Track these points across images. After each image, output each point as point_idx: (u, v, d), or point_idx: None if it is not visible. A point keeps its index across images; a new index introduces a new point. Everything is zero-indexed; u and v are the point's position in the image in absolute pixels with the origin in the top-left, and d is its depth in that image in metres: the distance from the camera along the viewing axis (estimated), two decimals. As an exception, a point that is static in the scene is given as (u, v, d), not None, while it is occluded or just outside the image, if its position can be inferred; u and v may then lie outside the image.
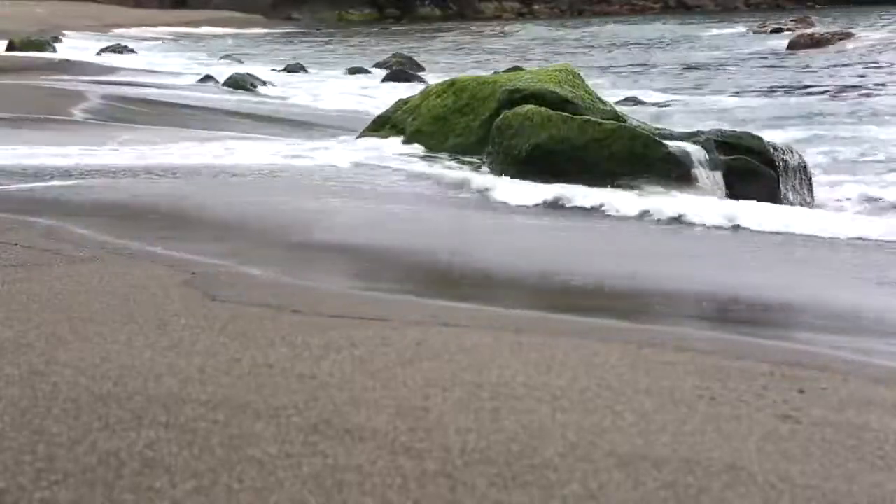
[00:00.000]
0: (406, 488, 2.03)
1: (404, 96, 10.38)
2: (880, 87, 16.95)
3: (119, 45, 28.06)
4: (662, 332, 3.37)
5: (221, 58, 25.16)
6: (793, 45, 26.39)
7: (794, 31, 31.26)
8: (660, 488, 2.09)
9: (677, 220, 6.78)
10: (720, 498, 2.07)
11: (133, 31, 42.03)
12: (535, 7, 63.54)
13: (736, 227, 6.57)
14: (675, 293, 4.40)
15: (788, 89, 17.24)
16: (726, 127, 9.34)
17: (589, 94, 8.96)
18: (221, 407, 2.42)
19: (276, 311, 3.36)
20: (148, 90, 14.94)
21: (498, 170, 8.06)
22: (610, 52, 29.12)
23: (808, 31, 30.56)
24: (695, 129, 8.64)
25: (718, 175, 7.72)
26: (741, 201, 7.22)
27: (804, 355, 3.20)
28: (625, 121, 8.35)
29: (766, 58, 24.62)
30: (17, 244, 4.28)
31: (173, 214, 5.56)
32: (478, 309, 3.61)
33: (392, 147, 9.06)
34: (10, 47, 24.56)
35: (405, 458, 2.17)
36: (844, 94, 16.12)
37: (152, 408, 2.40)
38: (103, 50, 26.54)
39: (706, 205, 7.12)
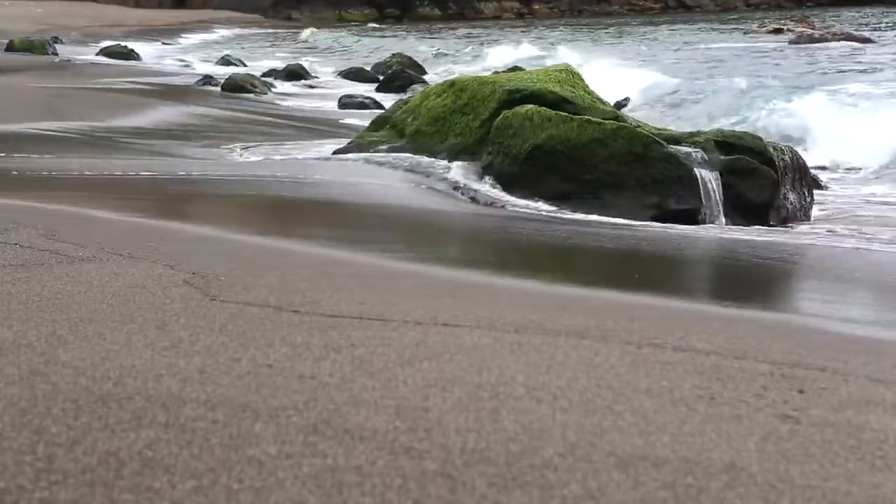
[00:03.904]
0: (406, 488, 2.03)
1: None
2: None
3: (119, 44, 28.03)
4: (662, 331, 3.37)
5: (218, 61, 25.12)
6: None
7: (793, 30, 31.28)
8: (660, 488, 2.09)
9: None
10: (720, 498, 2.07)
11: (133, 30, 41.99)
12: (536, 7, 63.56)
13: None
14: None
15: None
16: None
17: (589, 94, 8.96)
18: (221, 407, 2.42)
19: (276, 311, 3.36)
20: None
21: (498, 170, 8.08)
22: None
23: (808, 30, 30.57)
24: (695, 129, 8.65)
25: (716, 175, 7.73)
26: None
27: (804, 355, 3.20)
28: (625, 121, 8.35)
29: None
30: (17, 244, 4.28)
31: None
32: (478, 309, 3.61)
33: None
34: (9, 47, 24.52)
35: (405, 458, 2.17)
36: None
37: (152, 408, 2.40)
38: (103, 51, 26.50)
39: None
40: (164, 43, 36.46)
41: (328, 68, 24.43)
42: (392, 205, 7.05)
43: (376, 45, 35.94)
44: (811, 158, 9.54)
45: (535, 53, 26.74)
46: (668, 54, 26.95)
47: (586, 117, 8.07)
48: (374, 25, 52.45)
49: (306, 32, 43.17)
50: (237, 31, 47.22)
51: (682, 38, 34.56)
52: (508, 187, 7.97)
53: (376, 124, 9.70)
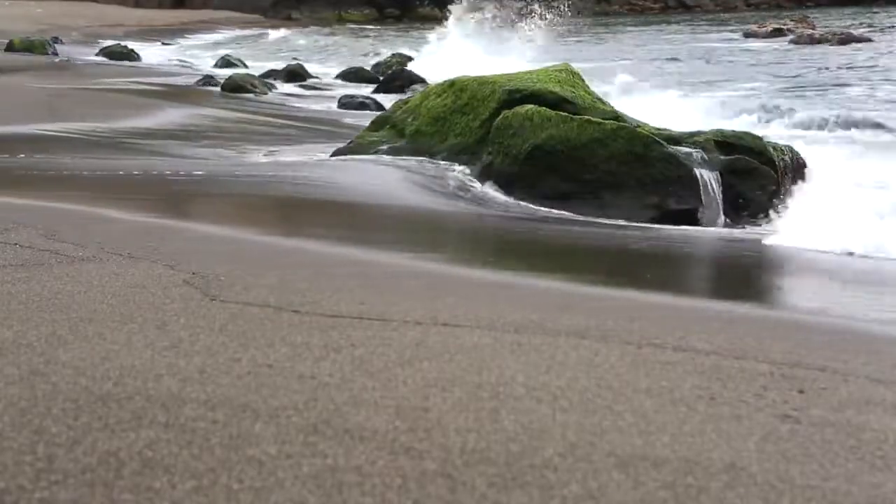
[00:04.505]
0: (406, 488, 2.03)
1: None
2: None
3: (119, 45, 28.00)
4: (662, 331, 3.37)
5: (218, 61, 25.09)
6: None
7: (793, 31, 31.26)
8: (660, 488, 2.09)
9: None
10: (720, 498, 2.07)
11: (133, 31, 41.98)
12: (536, 7, 63.51)
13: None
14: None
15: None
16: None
17: (589, 94, 8.96)
18: (221, 407, 2.42)
19: (276, 311, 3.36)
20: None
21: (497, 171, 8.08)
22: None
23: (808, 30, 30.55)
24: (695, 129, 8.65)
25: (716, 175, 7.72)
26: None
27: (804, 355, 3.20)
28: (625, 121, 8.34)
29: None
30: (17, 244, 4.28)
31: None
32: (478, 309, 3.61)
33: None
34: (9, 47, 24.50)
35: (405, 458, 2.17)
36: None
37: (152, 408, 2.40)
38: (103, 51, 26.48)
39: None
40: (163, 43, 36.41)
41: (328, 69, 24.40)
42: (392, 205, 7.05)
43: (359, 45, 35.45)
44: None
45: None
46: (645, 56, 26.63)
47: (586, 117, 8.07)
48: (352, 26, 52.17)
49: (274, 33, 42.21)
50: (237, 31, 47.18)
51: (675, 38, 34.49)
52: (508, 187, 7.96)
53: (376, 124, 9.70)
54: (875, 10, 46.15)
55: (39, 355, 2.77)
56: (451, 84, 9.23)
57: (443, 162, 8.57)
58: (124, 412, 2.36)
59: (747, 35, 33.22)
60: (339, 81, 21.11)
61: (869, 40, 28.11)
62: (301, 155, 9.68)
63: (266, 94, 17.20)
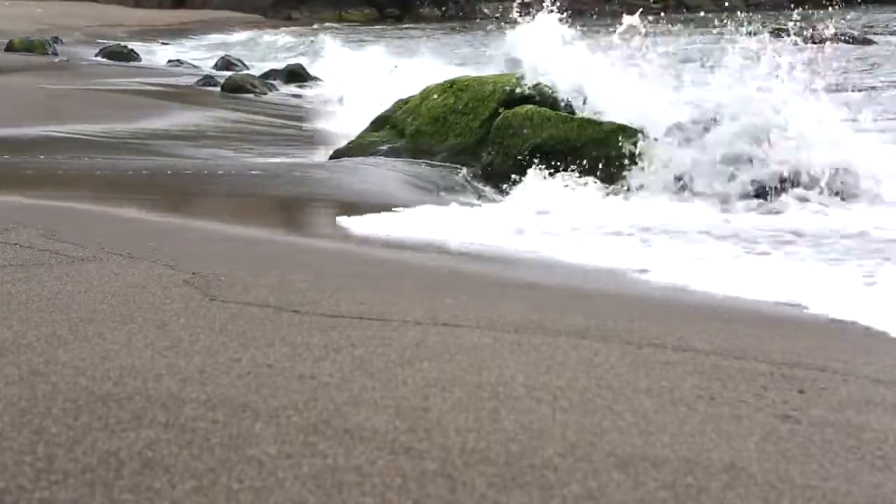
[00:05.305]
0: (406, 488, 2.03)
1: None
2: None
3: (119, 45, 27.96)
4: (662, 331, 3.37)
5: (218, 61, 25.06)
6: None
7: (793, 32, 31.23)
8: (659, 488, 2.09)
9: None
10: (720, 498, 2.07)
11: (133, 31, 41.96)
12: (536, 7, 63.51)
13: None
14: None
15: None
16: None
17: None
18: (221, 407, 2.42)
19: (276, 311, 3.36)
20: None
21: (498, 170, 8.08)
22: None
23: (809, 31, 30.52)
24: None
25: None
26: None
27: (804, 355, 3.20)
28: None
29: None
30: (17, 244, 4.28)
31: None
32: (478, 309, 3.61)
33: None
34: (9, 47, 24.47)
35: (405, 458, 2.17)
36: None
37: (152, 408, 2.40)
38: (103, 51, 26.46)
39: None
40: (163, 43, 36.35)
41: (328, 69, 24.38)
42: (391, 204, 7.05)
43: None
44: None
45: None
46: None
47: (586, 117, 8.08)
48: (334, 26, 51.99)
49: (241, 35, 41.52)
50: (237, 30, 47.14)
51: (677, 38, 34.38)
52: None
53: (376, 124, 9.69)
54: (873, 11, 46.12)
55: (39, 355, 2.77)
56: (452, 84, 9.23)
57: (443, 162, 8.57)
58: (124, 412, 2.36)
59: (754, 36, 33.14)
60: (340, 81, 21.05)
61: (869, 41, 28.09)
62: (302, 155, 9.68)
63: (266, 94, 17.19)
